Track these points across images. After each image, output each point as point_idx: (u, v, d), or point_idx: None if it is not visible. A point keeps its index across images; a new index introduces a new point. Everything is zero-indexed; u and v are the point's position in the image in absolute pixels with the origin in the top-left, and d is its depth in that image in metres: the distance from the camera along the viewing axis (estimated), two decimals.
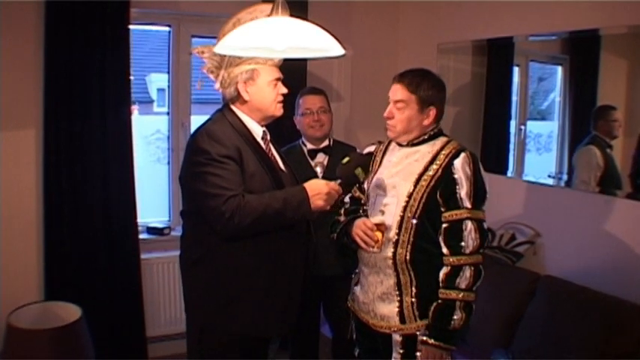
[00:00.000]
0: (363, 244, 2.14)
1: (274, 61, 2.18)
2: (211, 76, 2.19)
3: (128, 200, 3.22)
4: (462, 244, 2.06)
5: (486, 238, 2.09)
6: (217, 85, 2.18)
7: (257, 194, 2.02)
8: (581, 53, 3.01)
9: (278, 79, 2.19)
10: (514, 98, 3.39)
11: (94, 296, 3.14)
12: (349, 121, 3.97)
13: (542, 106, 3.47)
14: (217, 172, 1.97)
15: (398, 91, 2.16)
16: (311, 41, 1.74)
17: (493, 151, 3.58)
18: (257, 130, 2.18)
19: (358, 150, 2.40)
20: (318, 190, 2.06)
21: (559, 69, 3.26)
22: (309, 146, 3.00)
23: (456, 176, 2.08)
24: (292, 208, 2.02)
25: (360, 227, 2.15)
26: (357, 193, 2.37)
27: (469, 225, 2.06)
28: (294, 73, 3.41)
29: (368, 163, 2.19)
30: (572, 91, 3.12)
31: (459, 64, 3.63)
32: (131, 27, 3.17)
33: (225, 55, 2.11)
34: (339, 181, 2.09)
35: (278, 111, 2.20)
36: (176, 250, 2.25)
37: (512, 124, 3.41)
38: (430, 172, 2.11)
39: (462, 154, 2.11)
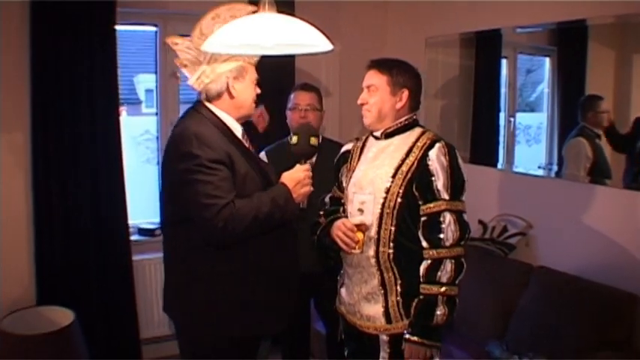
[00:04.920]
0: (344, 246, 2.10)
1: (255, 61, 2.17)
2: (185, 71, 2.12)
3: (119, 202, 3.19)
4: (441, 236, 2.00)
5: (467, 229, 2.05)
6: (192, 80, 2.10)
7: (246, 199, 1.97)
8: (568, 44, 3.02)
9: (257, 79, 2.18)
10: (502, 90, 3.39)
11: (86, 299, 3.11)
12: (338, 116, 3.96)
13: (530, 97, 3.48)
14: (209, 179, 1.90)
15: (369, 76, 2.15)
16: (299, 37, 1.73)
17: (483, 143, 3.58)
18: (237, 128, 2.13)
19: (346, 146, 2.39)
20: (296, 179, 2.05)
21: (547, 60, 3.27)
22: None
23: (431, 167, 2.03)
24: (280, 207, 1.99)
25: (339, 229, 2.10)
26: (337, 193, 2.32)
27: (447, 217, 2.01)
28: (283, 69, 3.44)
29: (313, 129, 2.24)
30: (560, 82, 3.12)
31: (447, 57, 3.62)
32: (118, 27, 3.13)
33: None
34: (302, 159, 2.11)
35: (251, 110, 2.20)
36: None
37: (502, 116, 3.42)
38: (407, 165, 2.07)
39: (437, 145, 2.06)
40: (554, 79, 3.16)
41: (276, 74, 3.17)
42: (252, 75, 2.14)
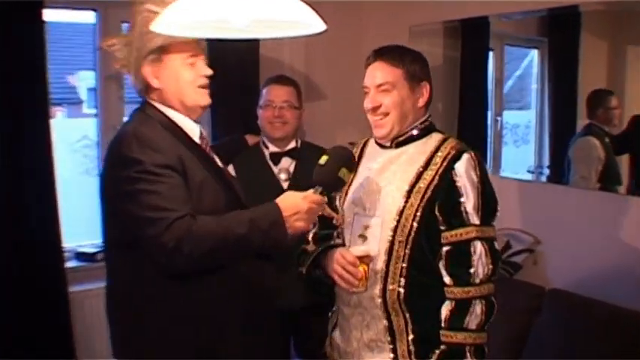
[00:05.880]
0: (344, 284, 1.74)
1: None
2: (126, 72, 1.82)
3: (50, 221, 2.78)
4: (472, 270, 1.67)
5: (499, 261, 1.75)
6: (131, 80, 1.81)
7: (211, 215, 1.63)
8: (560, 34, 2.89)
9: (194, 56, 1.76)
10: (490, 87, 3.24)
11: (14, 344, 2.69)
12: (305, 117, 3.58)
13: (518, 94, 3.41)
14: (154, 188, 1.59)
15: (379, 71, 1.77)
16: (284, 14, 1.29)
17: (470, 144, 3.33)
18: (192, 128, 1.79)
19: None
20: (296, 207, 1.65)
21: (535, 53, 3.17)
22: (272, 149, 2.57)
23: (459, 185, 1.69)
24: (261, 232, 1.63)
25: (338, 262, 1.73)
26: (328, 211, 1.94)
27: (479, 246, 1.68)
28: (243, 57, 3.10)
29: (351, 158, 1.76)
30: (551, 76, 3.00)
31: (432, 48, 3.35)
32: (52, 15, 2.80)
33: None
34: (319, 189, 1.67)
35: (202, 99, 1.78)
36: None
37: (489, 114, 3.27)
38: (425, 181, 1.72)
39: (465, 156, 1.71)
40: (544, 74, 3.04)
41: (236, 64, 2.88)
42: (178, 55, 1.74)
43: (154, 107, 1.77)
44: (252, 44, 3.12)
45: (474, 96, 3.31)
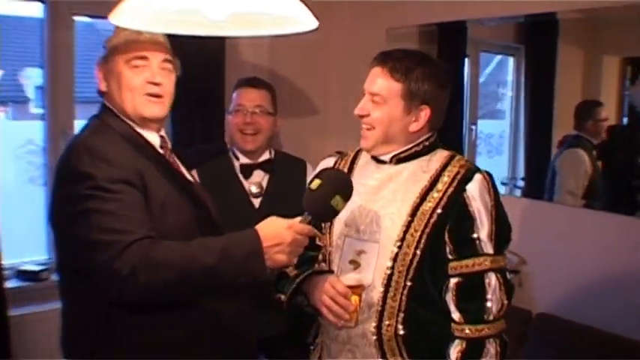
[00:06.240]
0: (332, 318, 1.54)
1: (141, 33, 1.52)
2: None
3: None
4: (486, 305, 1.50)
5: (512, 294, 1.57)
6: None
7: (177, 237, 1.44)
8: (538, 41, 2.84)
9: (141, 58, 1.54)
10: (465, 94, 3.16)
11: None
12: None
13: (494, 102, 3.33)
14: (107, 207, 1.40)
15: (377, 78, 1.57)
16: (268, 6, 1.09)
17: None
18: (151, 138, 1.61)
19: (324, 163, 1.81)
20: (279, 237, 1.42)
21: (511, 60, 3.11)
22: (243, 160, 2.33)
23: (472, 210, 1.52)
24: (235, 263, 1.41)
25: (327, 292, 1.53)
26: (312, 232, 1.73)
27: (493, 279, 1.52)
28: (207, 58, 2.85)
29: (348, 185, 1.51)
30: (527, 84, 2.93)
31: None
32: None
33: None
34: (307, 217, 1.45)
35: (146, 109, 1.56)
36: (59, 301, 1.63)
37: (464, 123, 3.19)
38: (431, 203, 1.54)
39: (477, 177, 1.55)
40: (520, 81, 2.98)
41: (197, 66, 2.62)
42: (122, 55, 1.54)
43: (112, 112, 1.57)
44: (218, 43, 2.88)
45: (449, 104, 3.24)
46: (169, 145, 1.65)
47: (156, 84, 1.54)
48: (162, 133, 1.64)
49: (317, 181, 1.46)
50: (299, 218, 1.45)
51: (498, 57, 3.20)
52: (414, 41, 3.17)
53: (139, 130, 1.57)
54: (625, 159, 2.54)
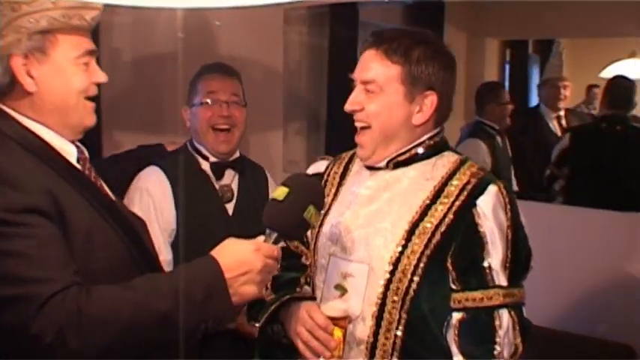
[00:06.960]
0: (309, 355, 1.27)
1: (87, 20, 1.20)
2: None
3: None
4: (497, 349, 1.22)
5: (529, 334, 1.27)
6: None
7: (109, 278, 1.12)
8: (423, 23, 2.80)
9: (90, 54, 1.23)
10: None
11: None
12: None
13: None
14: (13, 247, 1.05)
15: (370, 63, 1.29)
16: None
17: (341, 141, 3.20)
18: (68, 149, 1.23)
19: (314, 168, 1.54)
20: (246, 265, 1.13)
21: None
22: (213, 159, 1.91)
23: (483, 229, 1.24)
24: (193, 305, 1.10)
25: (305, 324, 1.26)
26: (296, 244, 1.45)
27: (505, 318, 1.23)
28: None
29: (321, 193, 1.27)
30: None
31: (312, 38, 3.13)
32: None
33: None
34: (273, 235, 1.17)
35: (88, 116, 1.25)
36: None
37: None
38: (433, 219, 1.26)
39: (492, 189, 1.26)
40: None
41: None
42: (70, 49, 1.20)
43: (11, 118, 1.20)
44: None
45: (343, 90, 3.19)
46: (86, 155, 1.28)
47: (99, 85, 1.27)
48: (79, 145, 1.27)
49: (283, 190, 1.18)
50: (261, 237, 1.18)
51: None
52: (305, 24, 3.05)
53: (46, 138, 1.19)
54: (532, 145, 2.55)
